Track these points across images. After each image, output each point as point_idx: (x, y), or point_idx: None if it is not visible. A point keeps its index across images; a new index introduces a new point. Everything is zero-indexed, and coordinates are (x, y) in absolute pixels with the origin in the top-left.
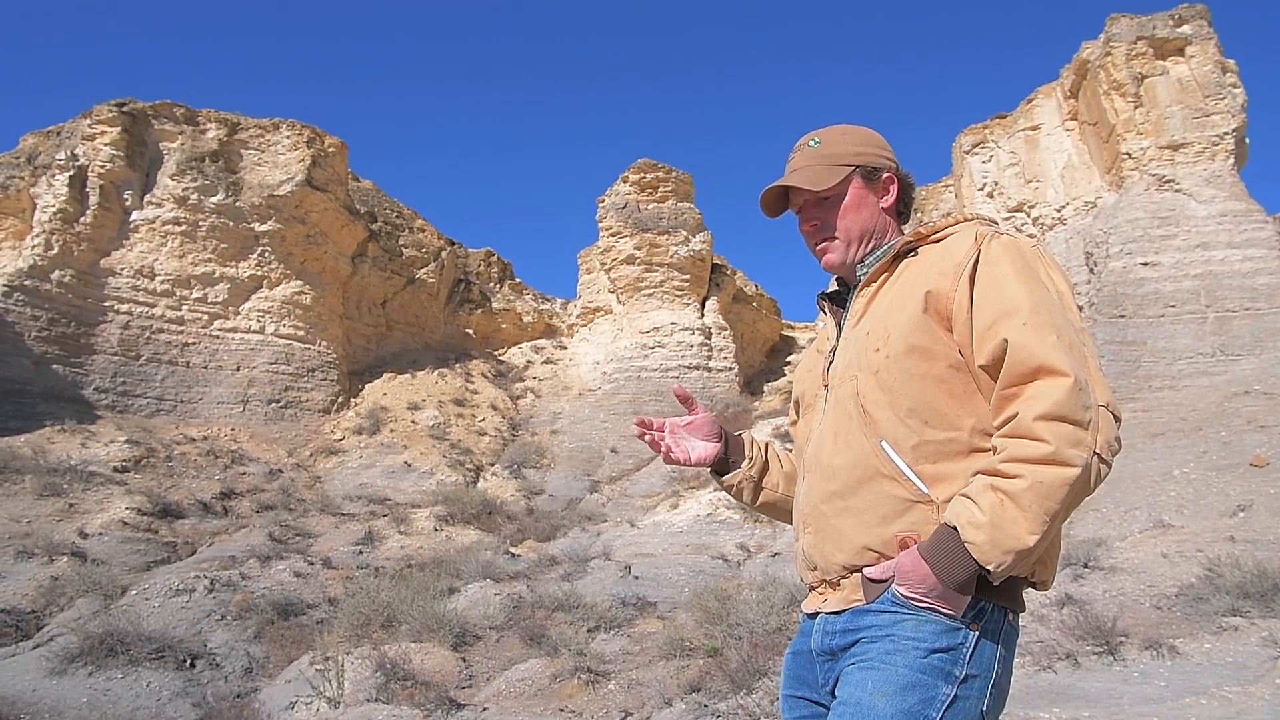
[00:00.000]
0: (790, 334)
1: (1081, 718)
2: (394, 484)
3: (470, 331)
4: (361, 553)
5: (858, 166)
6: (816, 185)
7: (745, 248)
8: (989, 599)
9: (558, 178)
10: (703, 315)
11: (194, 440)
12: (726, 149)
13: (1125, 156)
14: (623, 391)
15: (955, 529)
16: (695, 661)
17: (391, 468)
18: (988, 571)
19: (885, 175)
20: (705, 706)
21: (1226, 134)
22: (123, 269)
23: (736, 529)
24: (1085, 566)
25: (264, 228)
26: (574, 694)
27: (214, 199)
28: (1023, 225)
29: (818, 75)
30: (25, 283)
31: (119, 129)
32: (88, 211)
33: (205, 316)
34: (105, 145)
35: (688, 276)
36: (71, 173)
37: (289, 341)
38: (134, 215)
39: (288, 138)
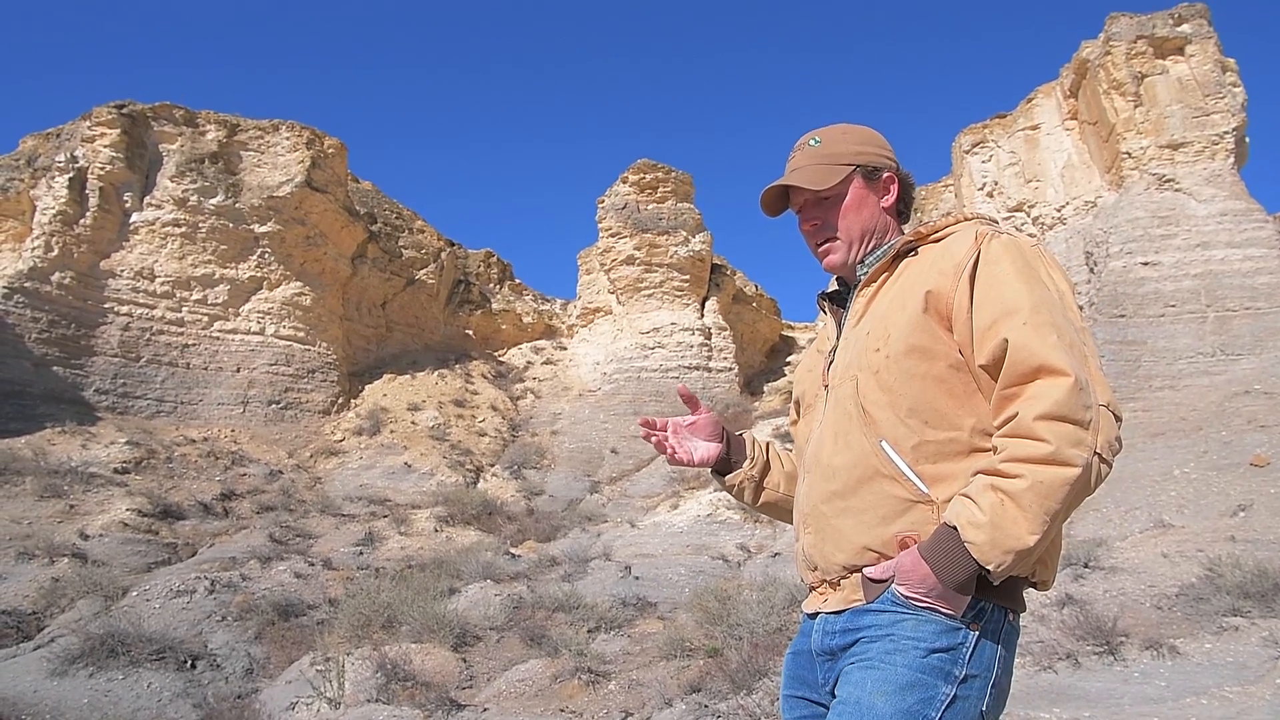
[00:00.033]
0: (790, 334)
1: (1082, 718)
2: (394, 485)
3: (470, 332)
4: (362, 553)
5: (858, 166)
6: (817, 185)
7: (745, 248)
8: (989, 599)
9: (558, 178)
10: (703, 315)
11: (194, 441)
12: (726, 149)
13: (1125, 156)
14: (623, 392)
15: (955, 529)
16: (695, 662)
17: (392, 468)
18: (987, 571)
19: (886, 175)
20: (705, 707)
21: (1226, 133)
22: (123, 271)
23: (737, 529)
24: (1086, 566)
25: (264, 229)
26: (574, 694)
27: (214, 200)
28: (1023, 225)
29: (818, 75)
30: (25, 285)
31: (118, 131)
32: (87, 213)
33: (205, 318)
34: (105, 147)
35: (687, 277)
36: (71, 175)
37: (289, 343)
38: (134, 217)
39: (287, 139)
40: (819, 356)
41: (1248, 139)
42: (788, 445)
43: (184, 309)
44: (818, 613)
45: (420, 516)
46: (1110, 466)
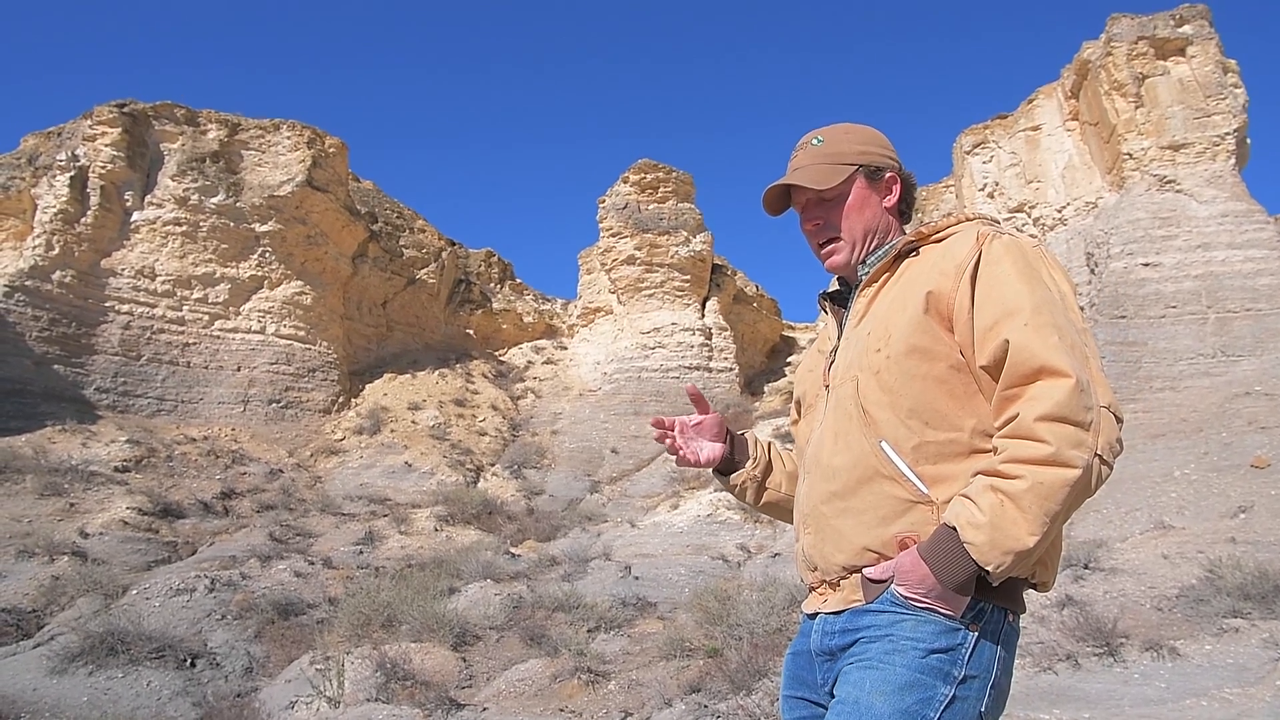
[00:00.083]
0: (790, 334)
1: (1082, 719)
2: (394, 484)
3: (471, 332)
4: (362, 552)
5: (861, 166)
6: (820, 184)
7: (746, 248)
8: (989, 600)
9: (558, 178)
10: (703, 316)
11: (194, 440)
12: (727, 149)
13: (1126, 157)
14: (623, 392)
15: (955, 529)
16: (695, 662)
17: (392, 468)
18: (987, 572)
19: (888, 175)
20: (705, 707)
21: (1227, 134)
22: (123, 269)
23: (737, 529)
24: (1086, 568)
25: (264, 228)
26: (574, 694)
27: (215, 199)
28: (1023, 226)
29: (818, 75)
30: (26, 283)
31: (120, 130)
32: (88, 212)
33: (206, 317)
34: (106, 146)
35: (688, 277)
36: (72, 173)
37: (289, 342)
38: (135, 216)
39: (288, 138)
40: (820, 356)
41: (1249, 140)
42: (788, 445)
43: (185, 308)
44: (817, 613)
45: (420, 516)
46: (1111, 468)
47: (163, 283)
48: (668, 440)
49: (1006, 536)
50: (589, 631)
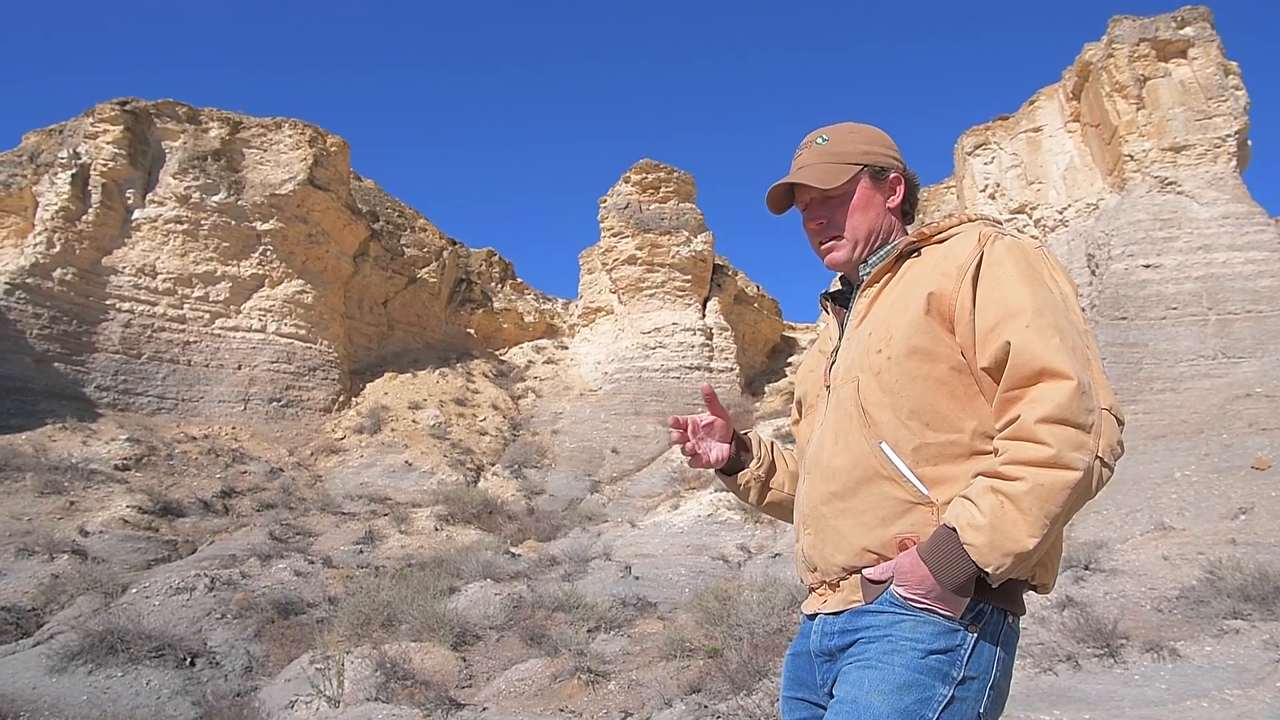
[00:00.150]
0: (791, 335)
1: None
2: (395, 483)
3: (471, 331)
4: (362, 552)
5: (865, 165)
6: (824, 183)
7: (747, 248)
8: (988, 601)
9: (559, 178)
10: (704, 316)
11: (195, 439)
12: (727, 149)
13: (1127, 158)
14: (624, 392)
15: (954, 530)
16: (695, 662)
17: (392, 467)
18: (986, 574)
19: (892, 175)
20: (705, 707)
21: (1228, 136)
22: (124, 267)
23: (737, 530)
24: (1086, 569)
25: (266, 227)
26: (574, 694)
27: (216, 198)
28: (1024, 227)
29: (818, 75)
30: (27, 281)
31: (121, 127)
32: (90, 210)
33: (207, 315)
34: (107, 144)
35: (689, 277)
36: (74, 171)
37: (290, 340)
38: (136, 214)
39: (290, 137)
40: (821, 357)
41: (1250, 142)
42: (789, 445)
43: (185, 306)
44: (817, 614)
45: (420, 515)
46: (1111, 470)
47: (164, 281)
48: (688, 445)
49: (1006, 538)
50: (589, 631)
